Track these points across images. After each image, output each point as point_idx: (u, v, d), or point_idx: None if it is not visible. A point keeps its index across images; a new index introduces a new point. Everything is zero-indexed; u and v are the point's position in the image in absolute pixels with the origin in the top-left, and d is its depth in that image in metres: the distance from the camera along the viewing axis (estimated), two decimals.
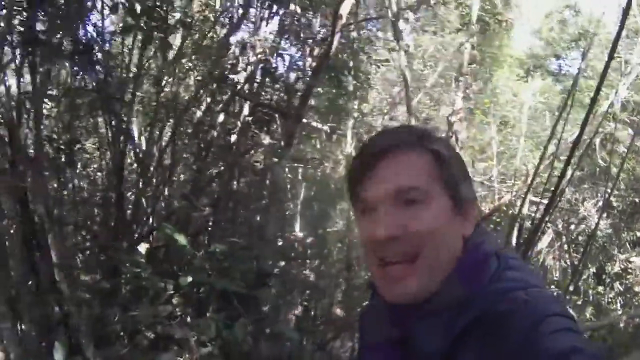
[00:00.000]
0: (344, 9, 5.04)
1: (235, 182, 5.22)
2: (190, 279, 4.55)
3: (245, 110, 5.53)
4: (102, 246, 4.96)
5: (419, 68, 8.43)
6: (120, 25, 4.92)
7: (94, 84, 4.56)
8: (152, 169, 5.12)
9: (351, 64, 6.26)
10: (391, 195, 1.04)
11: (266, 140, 5.43)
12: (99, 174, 5.45)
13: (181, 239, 4.50)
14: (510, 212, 6.85)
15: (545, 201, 4.99)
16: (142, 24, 4.16)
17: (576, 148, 4.67)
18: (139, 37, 4.56)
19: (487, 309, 0.96)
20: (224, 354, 4.33)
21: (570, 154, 4.58)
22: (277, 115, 5.61)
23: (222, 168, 4.89)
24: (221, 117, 5.63)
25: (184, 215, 4.36)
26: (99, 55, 4.48)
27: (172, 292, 4.64)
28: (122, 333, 4.70)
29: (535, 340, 0.90)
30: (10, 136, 4.10)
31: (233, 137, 5.46)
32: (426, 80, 9.23)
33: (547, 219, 6.09)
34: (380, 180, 1.05)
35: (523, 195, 6.56)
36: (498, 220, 7.31)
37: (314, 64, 4.77)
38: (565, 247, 7.59)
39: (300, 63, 5.96)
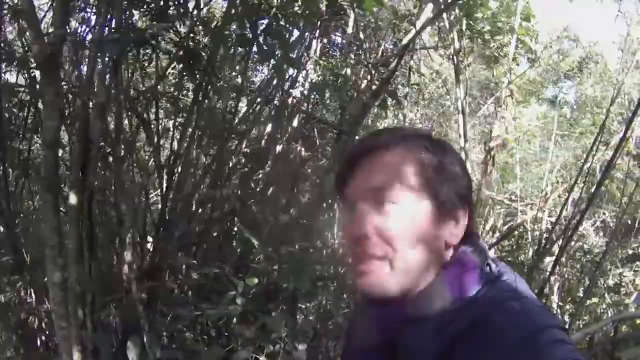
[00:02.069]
0: (406, 38, 5.30)
1: (295, 190, 5.53)
2: (256, 280, 4.80)
3: (295, 123, 5.81)
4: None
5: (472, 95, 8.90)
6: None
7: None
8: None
9: (407, 90, 6.69)
10: (367, 194, 1.04)
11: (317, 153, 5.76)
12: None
13: (254, 241, 4.73)
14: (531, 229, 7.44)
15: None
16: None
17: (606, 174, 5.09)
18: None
19: (481, 317, 0.95)
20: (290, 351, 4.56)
21: (601, 179, 5.01)
22: (331, 130, 5.94)
23: (283, 175, 5.19)
24: (269, 128, 5.85)
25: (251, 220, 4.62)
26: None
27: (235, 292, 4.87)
28: (190, 333, 4.91)
29: (531, 352, 0.88)
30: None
31: (279, 147, 5.80)
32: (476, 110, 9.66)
33: (553, 236, 6.61)
34: (358, 179, 1.06)
35: (541, 215, 7.21)
36: (522, 236, 7.89)
37: (372, 85, 5.07)
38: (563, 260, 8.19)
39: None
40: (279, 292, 4.52)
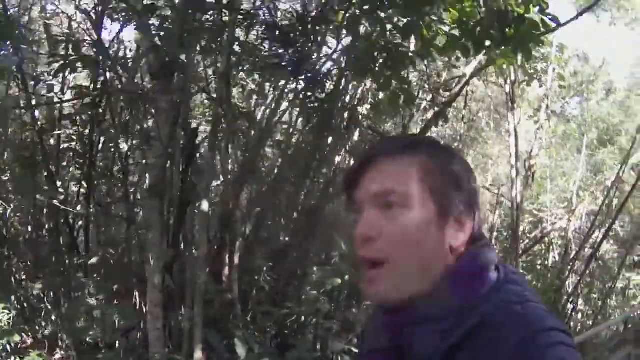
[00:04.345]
0: (469, 67, 5.75)
1: None
2: (339, 280, 5.21)
3: (356, 136, 6.18)
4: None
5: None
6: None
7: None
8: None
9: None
10: (371, 198, 1.04)
11: None
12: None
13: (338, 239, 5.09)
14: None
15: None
16: None
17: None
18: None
19: (485, 319, 0.96)
20: None
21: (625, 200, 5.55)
22: None
23: None
24: (329, 140, 6.35)
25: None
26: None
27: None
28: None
29: (531, 353, 0.90)
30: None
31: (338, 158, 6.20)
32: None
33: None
34: (365, 184, 1.06)
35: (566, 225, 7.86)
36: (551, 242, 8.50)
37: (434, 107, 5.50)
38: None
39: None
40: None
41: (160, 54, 4.38)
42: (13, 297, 5.53)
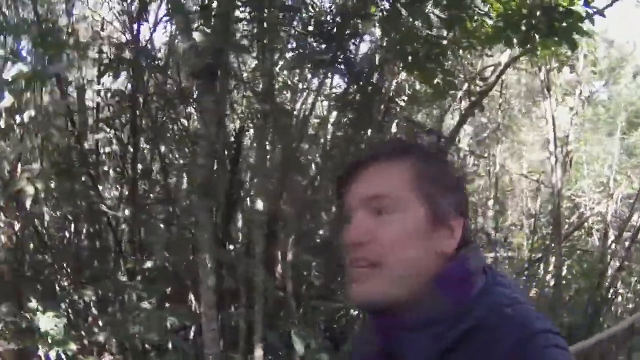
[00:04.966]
0: (504, 56, 5.72)
1: None
2: None
3: (393, 128, 6.22)
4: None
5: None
6: None
7: None
8: None
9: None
10: (362, 202, 1.04)
11: None
12: None
13: None
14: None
15: None
16: None
17: None
18: None
19: (476, 322, 0.95)
20: None
21: None
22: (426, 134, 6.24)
23: None
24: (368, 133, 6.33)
25: None
26: None
27: None
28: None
29: (527, 355, 0.90)
30: None
31: None
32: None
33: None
34: (356, 187, 1.06)
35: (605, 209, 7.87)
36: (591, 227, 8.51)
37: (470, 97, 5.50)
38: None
39: None
40: None
41: (203, 53, 4.37)
42: (62, 305, 5.56)
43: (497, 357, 0.91)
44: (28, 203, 3.71)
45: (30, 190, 3.65)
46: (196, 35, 4.16)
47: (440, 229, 1.03)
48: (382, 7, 4.50)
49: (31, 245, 6.42)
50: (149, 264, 4.96)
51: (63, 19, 6.16)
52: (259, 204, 4.03)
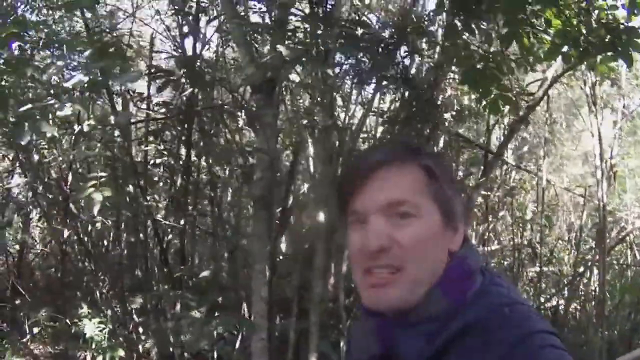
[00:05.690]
0: (550, 71, 5.69)
1: None
2: None
3: (441, 143, 6.16)
4: None
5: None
6: None
7: None
8: None
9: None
10: (382, 208, 1.02)
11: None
12: None
13: None
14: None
15: None
16: None
17: None
18: None
19: (473, 321, 0.96)
20: None
21: None
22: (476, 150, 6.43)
23: None
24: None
25: None
26: None
27: None
28: None
29: (521, 355, 0.90)
30: None
31: None
32: None
33: None
34: (372, 193, 1.03)
35: None
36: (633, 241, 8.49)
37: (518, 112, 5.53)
38: None
39: None
40: None
41: (262, 68, 4.44)
42: (110, 312, 5.64)
43: (495, 356, 0.91)
44: (96, 210, 3.77)
45: (98, 197, 3.73)
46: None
47: (450, 229, 1.06)
48: (441, 22, 4.54)
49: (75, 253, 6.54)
50: (205, 273, 4.98)
51: (114, 32, 6.29)
52: (321, 216, 4.05)
